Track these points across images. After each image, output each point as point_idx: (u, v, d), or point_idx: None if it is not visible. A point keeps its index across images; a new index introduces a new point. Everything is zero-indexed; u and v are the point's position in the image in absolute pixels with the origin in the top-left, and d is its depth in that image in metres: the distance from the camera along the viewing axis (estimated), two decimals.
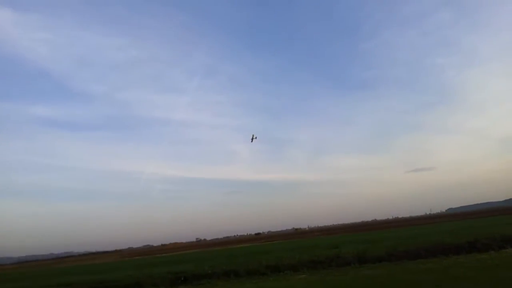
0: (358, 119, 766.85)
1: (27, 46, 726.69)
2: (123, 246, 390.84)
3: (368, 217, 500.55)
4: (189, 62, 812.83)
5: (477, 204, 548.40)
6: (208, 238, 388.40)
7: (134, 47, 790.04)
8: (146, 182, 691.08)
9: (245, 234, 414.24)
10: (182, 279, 39.93)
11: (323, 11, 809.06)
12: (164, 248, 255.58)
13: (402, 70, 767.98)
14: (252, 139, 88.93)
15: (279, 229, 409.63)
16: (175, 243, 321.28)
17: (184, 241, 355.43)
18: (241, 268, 39.96)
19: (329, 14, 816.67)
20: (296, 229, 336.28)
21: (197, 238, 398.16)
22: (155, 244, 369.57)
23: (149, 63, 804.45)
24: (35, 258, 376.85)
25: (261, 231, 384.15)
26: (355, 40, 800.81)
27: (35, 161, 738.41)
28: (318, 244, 68.38)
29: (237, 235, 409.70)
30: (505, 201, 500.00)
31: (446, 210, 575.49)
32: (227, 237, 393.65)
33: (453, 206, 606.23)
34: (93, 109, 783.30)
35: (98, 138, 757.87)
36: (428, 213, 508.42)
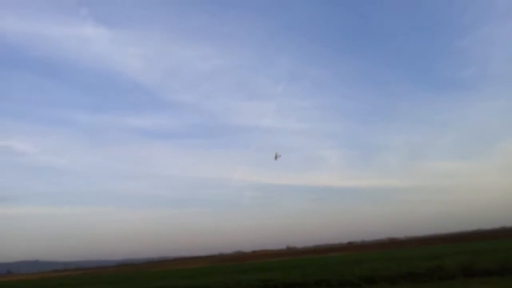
0: (455, 121, 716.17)
1: (121, 61, 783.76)
2: (215, 251, 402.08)
3: (470, 226, 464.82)
4: (274, 68, 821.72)
5: None
6: (299, 246, 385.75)
7: (219, 56, 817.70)
8: (235, 189, 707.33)
9: (337, 242, 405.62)
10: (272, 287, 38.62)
11: (410, 7, 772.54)
12: (254, 255, 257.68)
13: (504, 67, 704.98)
14: (276, 157, 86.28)
15: (372, 238, 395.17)
16: (266, 250, 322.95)
17: (274, 248, 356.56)
18: (333, 278, 37.66)
19: (416, 10, 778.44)
20: (391, 238, 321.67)
21: (287, 246, 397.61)
22: (246, 251, 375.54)
23: (234, 71, 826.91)
24: (133, 262, 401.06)
25: (353, 240, 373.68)
26: (448, 37, 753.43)
27: (131, 169, 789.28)
28: (416, 254, 63.57)
29: (328, 244, 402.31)
30: None
31: None
32: (318, 245, 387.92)
33: None
34: (182, 118, 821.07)
35: (187, 146, 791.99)
36: None
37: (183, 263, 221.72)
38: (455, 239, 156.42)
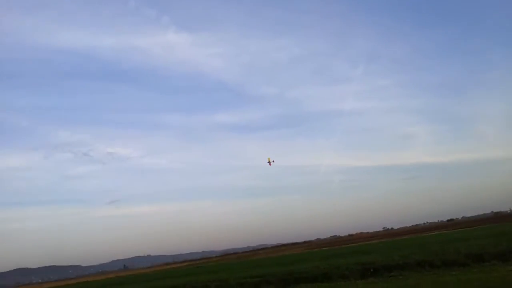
0: None
1: (204, 62, 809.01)
2: (312, 237, 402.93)
3: None
4: (351, 51, 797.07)
5: None
6: (396, 227, 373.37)
7: (295, 45, 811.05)
8: (325, 174, 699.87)
9: (436, 221, 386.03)
10: (372, 270, 37.81)
11: None
12: (351, 238, 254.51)
13: None
14: (270, 162, 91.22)
15: (475, 214, 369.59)
16: (361, 233, 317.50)
17: (370, 230, 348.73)
18: (436, 258, 35.93)
19: None
20: (496, 212, 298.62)
21: (383, 227, 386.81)
22: (342, 235, 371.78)
23: (312, 58, 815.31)
24: (234, 251, 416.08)
25: (453, 217, 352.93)
26: None
27: (224, 163, 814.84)
28: None
29: (427, 223, 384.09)
30: None
31: None
32: (416, 225, 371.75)
33: None
34: (267, 110, 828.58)
35: (274, 136, 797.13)
36: None
37: (282, 250, 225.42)
38: None
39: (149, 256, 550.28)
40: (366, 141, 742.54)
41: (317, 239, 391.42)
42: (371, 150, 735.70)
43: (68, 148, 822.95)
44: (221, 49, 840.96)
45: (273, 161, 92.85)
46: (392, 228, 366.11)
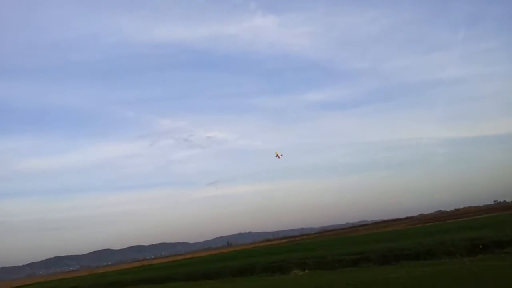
0: None
1: (292, 42, 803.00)
2: (414, 212, 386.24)
3: None
4: (449, 15, 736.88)
5: None
6: (509, 200, 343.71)
7: (386, 16, 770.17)
8: (426, 147, 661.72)
9: None
10: (481, 246, 35.08)
11: None
12: (457, 213, 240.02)
13: None
14: (278, 156, 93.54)
15: None
16: (469, 207, 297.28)
17: (480, 204, 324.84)
18: None
19: None
20: None
21: (495, 200, 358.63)
22: (447, 209, 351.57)
23: (405, 27, 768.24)
24: (333, 227, 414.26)
25: None
26: None
27: (317, 142, 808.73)
28: None
29: None
30: None
31: None
32: None
33: None
34: (359, 85, 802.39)
35: (368, 112, 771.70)
36: None
37: (382, 226, 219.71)
38: None
39: (250, 233, 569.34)
40: (470, 110, 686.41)
41: (420, 214, 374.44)
42: (476, 120, 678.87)
43: (170, 135, 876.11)
44: (309, 28, 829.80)
45: (281, 155, 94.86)
46: (504, 201, 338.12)
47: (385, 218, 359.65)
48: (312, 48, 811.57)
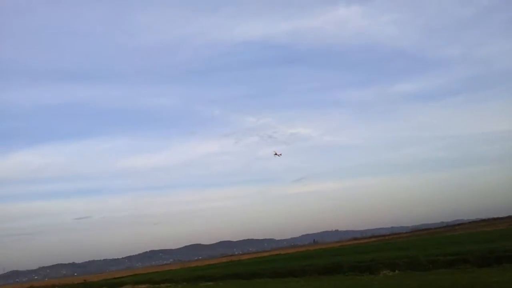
0: None
1: (378, 31, 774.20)
2: None
3: None
4: None
5: None
6: None
7: None
8: None
9: None
10: None
11: None
12: None
13: None
14: (277, 154, 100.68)
15: None
16: None
17: None
18: None
19: None
20: None
21: None
22: None
23: (506, 7, 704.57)
24: (426, 227, 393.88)
25: None
26: None
27: (406, 136, 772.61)
28: None
29: None
30: None
31: None
32: None
33: None
34: (451, 73, 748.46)
35: (462, 102, 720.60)
36: None
37: (481, 226, 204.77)
38: None
39: (337, 231, 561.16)
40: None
41: None
42: None
43: (255, 132, 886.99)
44: (395, 16, 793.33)
45: (280, 154, 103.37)
46: None
47: (484, 217, 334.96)
48: (399, 37, 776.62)
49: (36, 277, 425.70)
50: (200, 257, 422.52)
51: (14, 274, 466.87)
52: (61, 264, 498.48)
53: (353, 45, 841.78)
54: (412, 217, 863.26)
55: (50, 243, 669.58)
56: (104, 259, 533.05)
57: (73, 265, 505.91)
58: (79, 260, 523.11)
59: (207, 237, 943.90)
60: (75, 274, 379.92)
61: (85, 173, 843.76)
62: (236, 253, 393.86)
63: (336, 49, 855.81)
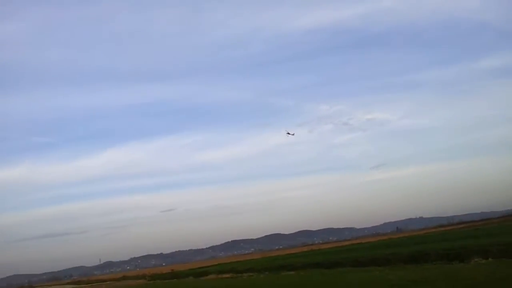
0: None
1: (457, 6, 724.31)
2: None
3: None
4: None
5: None
6: None
7: None
8: None
9: None
10: None
11: None
12: None
13: None
14: (289, 133, 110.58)
15: None
16: None
17: None
18: None
19: None
20: None
21: None
22: None
23: None
24: None
25: None
26: None
27: (494, 115, 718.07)
28: None
29: None
30: None
31: None
32: None
33: None
34: None
35: None
36: None
37: None
38: None
39: (421, 218, 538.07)
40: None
41: None
42: None
43: (329, 120, 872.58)
44: None
45: (293, 134, 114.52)
46: None
47: None
48: (481, 9, 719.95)
49: (128, 267, 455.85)
50: (280, 247, 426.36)
51: (109, 265, 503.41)
52: (151, 255, 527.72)
53: (429, 23, 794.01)
54: (503, 201, 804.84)
55: (140, 235, 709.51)
56: (189, 249, 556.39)
57: (161, 255, 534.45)
58: (166, 250, 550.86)
59: (287, 227, 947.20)
60: (163, 264, 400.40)
61: (167, 168, 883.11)
62: (316, 242, 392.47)
63: (411, 29, 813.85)
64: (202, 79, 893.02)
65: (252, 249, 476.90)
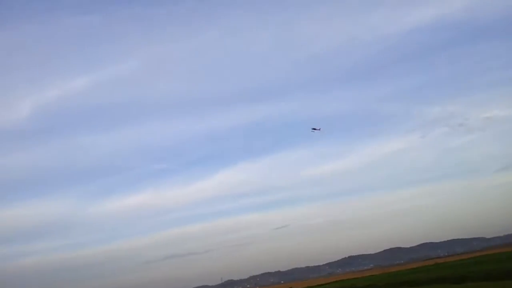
0: None
1: None
2: None
3: None
4: None
5: None
6: None
7: None
8: None
9: None
10: None
11: None
12: None
13: None
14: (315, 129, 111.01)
15: None
16: None
17: None
18: None
19: None
20: None
21: None
22: None
23: None
24: None
25: None
26: None
27: None
28: None
29: None
30: None
31: None
32: None
33: None
34: None
35: None
36: None
37: None
38: None
39: None
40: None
41: None
42: None
43: (443, 122, 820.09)
44: None
45: (319, 129, 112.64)
46: None
47: None
48: None
49: (248, 286, 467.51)
50: (401, 261, 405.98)
51: (230, 283, 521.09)
52: (269, 272, 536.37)
53: None
54: None
55: (256, 253, 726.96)
56: (306, 266, 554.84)
57: (279, 273, 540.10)
58: (283, 268, 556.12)
59: (407, 239, 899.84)
60: (282, 281, 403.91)
61: (277, 185, 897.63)
62: (441, 255, 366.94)
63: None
64: (302, 93, 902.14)
65: (371, 265, 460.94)
